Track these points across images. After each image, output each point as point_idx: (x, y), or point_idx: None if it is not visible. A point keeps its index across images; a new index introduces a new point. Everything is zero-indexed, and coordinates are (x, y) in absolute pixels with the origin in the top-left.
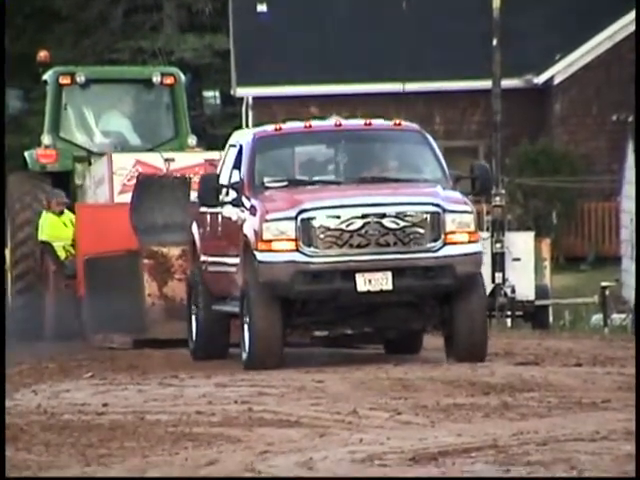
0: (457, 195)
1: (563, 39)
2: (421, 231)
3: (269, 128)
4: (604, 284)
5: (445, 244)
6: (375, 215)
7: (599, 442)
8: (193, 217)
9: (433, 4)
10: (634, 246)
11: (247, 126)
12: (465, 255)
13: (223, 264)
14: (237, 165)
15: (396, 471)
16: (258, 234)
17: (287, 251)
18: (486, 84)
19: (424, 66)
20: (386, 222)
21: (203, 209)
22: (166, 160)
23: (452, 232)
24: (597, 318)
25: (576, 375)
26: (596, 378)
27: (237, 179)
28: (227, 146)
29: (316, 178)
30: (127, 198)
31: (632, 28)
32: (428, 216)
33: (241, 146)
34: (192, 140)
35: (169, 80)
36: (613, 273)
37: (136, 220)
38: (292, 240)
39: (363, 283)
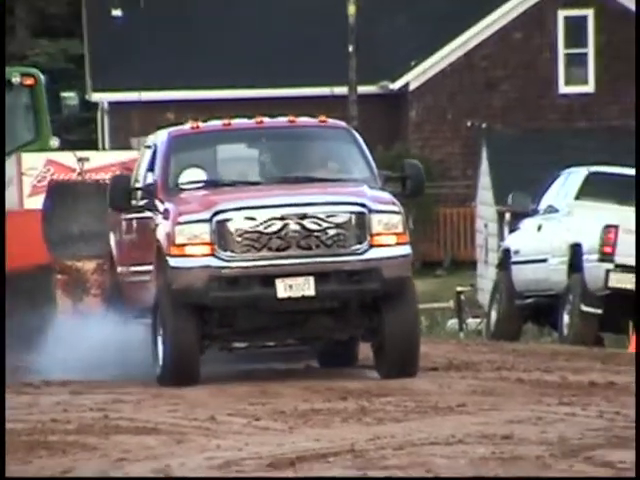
0: (384, 195)
1: (418, 46)
2: (345, 233)
3: (186, 127)
4: (459, 289)
5: (371, 246)
6: (295, 216)
7: (455, 446)
8: (110, 226)
9: (288, 10)
10: (488, 251)
11: (102, 132)
12: (393, 258)
13: (138, 273)
14: (152, 167)
15: (253, 477)
16: (171, 238)
17: (202, 256)
18: (342, 90)
19: (281, 72)
20: (307, 223)
21: (120, 216)
22: (80, 159)
23: (378, 234)
24: (453, 323)
25: (432, 379)
26: (452, 382)
27: (151, 181)
28: (142, 147)
29: (235, 179)
30: (37, 201)
31: (484, 36)
32: (353, 217)
33: (156, 146)
34: (54, 142)
35: (29, 81)
36: (468, 278)
37: (48, 231)
38: (207, 244)
39: (283, 289)
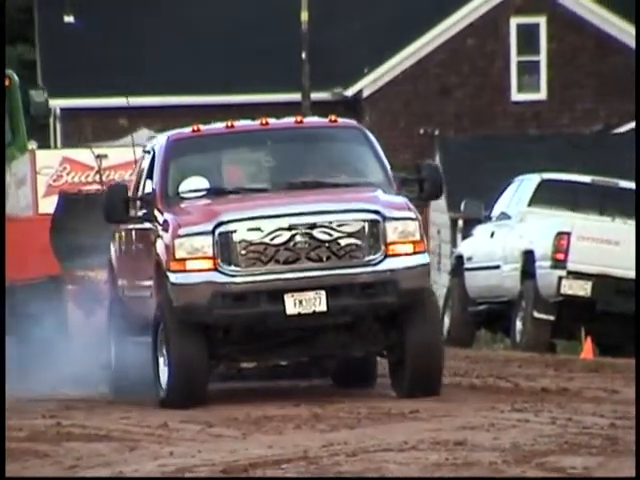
0: (399, 200)
1: (371, 53)
2: (358, 242)
3: (186, 130)
4: None
5: (386, 256)
6: (304, 226)
7: (408, 452)
8: (111, 237)
9: (241, 17)
10: (441, 258)
11: (55, 138)
12: (410, 268)
13: (138, 288)
14: (150, 174)
15: None
16: (170, 252)
17: (204, 270)
18: (296, 97)
19: (234, 79)
20: (317, 233)
21: (121, 227)
22: (98, 156)
23: (394, 242)
24: None
25: (385, 386)
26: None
27: (150, 190)
28: (141, 153)
29: (239, 186)
30: (53, 201)
31: (437, 43)
32: (366, 225)
33: (154, 151)
34: (31, 145)
35: (4, 82)
36: None
37: (57, 241)
38: (209, 258)
39: (293, 305)
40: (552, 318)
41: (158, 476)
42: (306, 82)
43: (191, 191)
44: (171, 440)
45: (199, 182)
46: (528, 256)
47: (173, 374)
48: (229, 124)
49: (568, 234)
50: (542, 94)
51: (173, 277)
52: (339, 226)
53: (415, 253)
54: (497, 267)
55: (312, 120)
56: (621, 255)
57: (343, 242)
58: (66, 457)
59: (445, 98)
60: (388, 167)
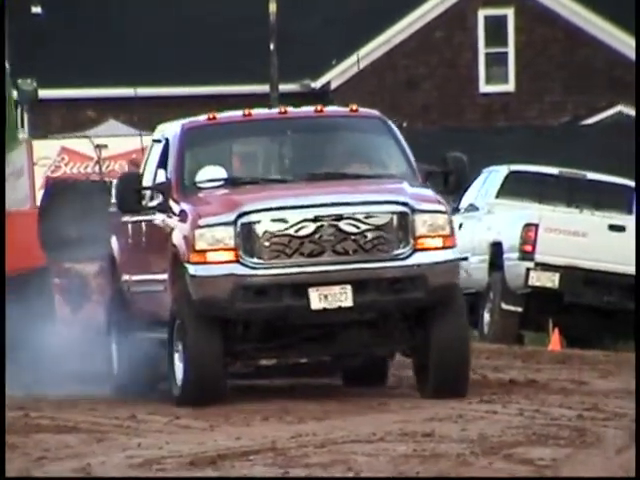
0: (428, 192)
1: (339, 45)
2: (386, 235)
3: (201, 118)
4: None
5: (415, 251)
6: (330, 217)
7: (376, 443)
8: (112, 229)
9: (210, 8)
10: None
11: (22, 129)
12: (439, 263)
13: (148, 282)
14: (163, 163)
15: (174, 475)
16: (189, 243)
17: (225, 262)
18: (264, 88)
19: (204, 70)
20: (343, 225)
21: (124, 219)
22: (97, 146)
23: (423, 236)
24: None
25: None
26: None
27: (163, 179)
28: (151, 142)
29: (258, 176)
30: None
31: (405, 35)
32: (394, 217)
33: (167, 140)
34: (23, 134)
35: None
36: None
37: (44, 232)
38: (231, 249)
39: (318, 299)
40: (520, 310)
41: (126, 467)
42: (274, 73)
43: (208, 181)
44: (139, 432)
45: (216, 171)
46: (496, 248)
47: (188, 370)
48: (246, 112)
49: (536, 226)
50: (510, 86)
51: (192, 269)
52: (366, 218)
53: (445, 248)
54: (465, 259)
55: (332, 109)
56: (588, 247)
57: (370, 235)
58: (34, 449)
59: (413, 90)
60: (412, 158)
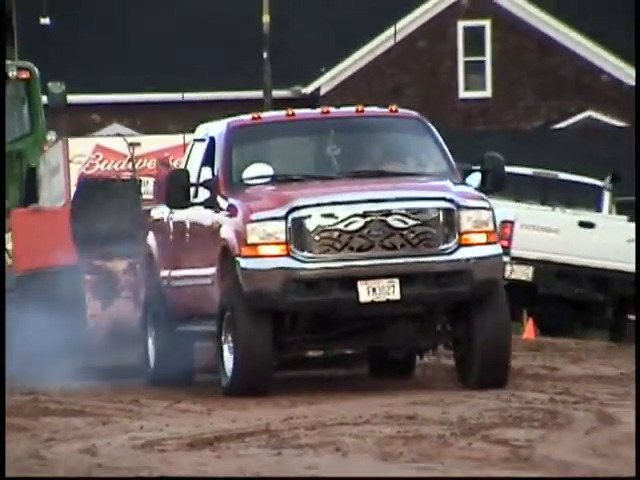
0: (471, 190)
1: (329, 53)
2: (432, 231)
3: (245, 117)
4: None
5: (460, 246)
6: (379, 213)
7: (362, 426)
8: (148, 226)
9: (208, 18)
10: None
11: (53, 130)
12: (484, 258)
13: (192, 277)
14: (208, 161)
15: (174, 456)
16: (241, 237)
17: (276, 256)
18: (258, 94)
19: (202, 77)
20: (392, 221)
21: (161, 215)
22: (130, 144)
23: (468, 232)
24: None
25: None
26: (360, 367)
27: (209, 176)
28: (192, 141)
29: (304, 173)
30: None
31: (389, 44)
32: (440, 213)
33: (211, 139)
34: (51, 136)
35: (25, 75)
36: None
37: (76, 229)
38: (282, 243)
39: (366, 292)
40: None
41: (129, 448)
42: (268, 80)
43: (255, 177)
44: (141, 415)
45: (263, 169)
46: None
47: (238, 362)
48: (289, 112)
49: (512, 222)
50: (487, 92)
51: (244, 262)
52: (414, 214)
53: (488, 243)
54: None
55: (373, 110)
56: (561, 242)
57: (417, 230)
58: (43, 430)
59: (397, 96)
60: (451, 158)
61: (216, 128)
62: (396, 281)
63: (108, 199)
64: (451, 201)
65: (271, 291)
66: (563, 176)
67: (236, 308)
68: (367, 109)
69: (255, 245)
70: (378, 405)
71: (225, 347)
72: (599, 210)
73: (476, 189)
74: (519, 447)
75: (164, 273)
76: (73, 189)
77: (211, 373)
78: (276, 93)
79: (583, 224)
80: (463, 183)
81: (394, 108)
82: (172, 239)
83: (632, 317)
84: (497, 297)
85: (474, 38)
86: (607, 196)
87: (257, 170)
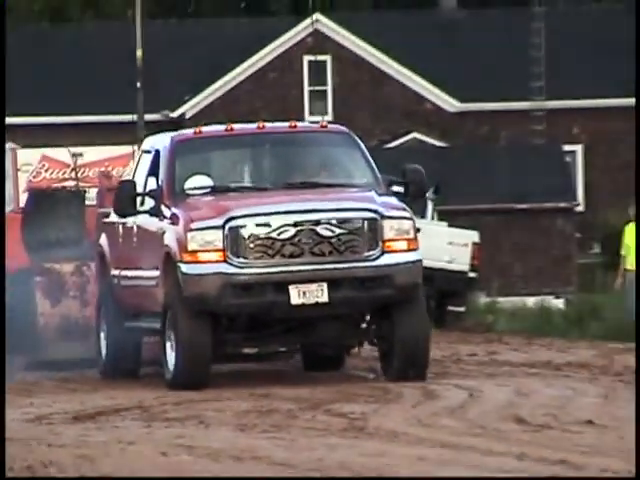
0: (394, 200)
1: (192, 83)
2: (358, 239)
3: (188, 131)
4: None
5: (383, 252)
6: (309, 222)
7: (223, 402)
8: (100, 229)
9: (91, 53)
10: None
11: None
12: (405, 264)
13: (139, 278)
14: (153, 172)
15: (60, 428)
16: (182, 244)
17: (214, 262)
18: (131, 117)
19: (84, 102)
20: (321, 230)
21: (112, 219)
22: (73, 155)
23: (391, 240)
24: None
25: None
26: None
27: (154, 186)
28: (140, 152)
29: (241, 184)
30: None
31: (245, 75)
32: (365, 223)
33: (157, 151)
34: (9, 144)
35: None
36: None
37: (28, 236)
38: (219, 250)
39: (297, 295)
40: None
41: (21, 422)
42: (140, 106)
43: (196, 188)
44: (32, 393)
45: (203, 180)
46: None
47: (180, 358)
48: (229, 127)
49: None
50: (329, 116)
51: (185, 267)
52: (341, 223)
53: (409, 250)
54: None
55: (305, 125)
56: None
57: (344, 238)
58: None
59: (253, 119)
60: (376, 169)
61: (161, 141)
62: (324, 285)
63: (55, 208)
64: (375, 211)
65: (209, 294)
66: (395, 188)
67: (177, 309)
68: (300, 124)
69: (195, 252)
70: (241, 386)
71: (168, 344)
72: (424, 217)
73: (398, 199)
74: (355, 419)
75: (115, 272)
76: (22, 196)
77: (158, 365)
78: (148, 117)
79: None
80: (387, 193)
81: (324, 123)
82: (122, 242)
83: (452, 308)
84: (417, 299)
85: (317, 71)
86: (430, 205)
87: (198, 181)
